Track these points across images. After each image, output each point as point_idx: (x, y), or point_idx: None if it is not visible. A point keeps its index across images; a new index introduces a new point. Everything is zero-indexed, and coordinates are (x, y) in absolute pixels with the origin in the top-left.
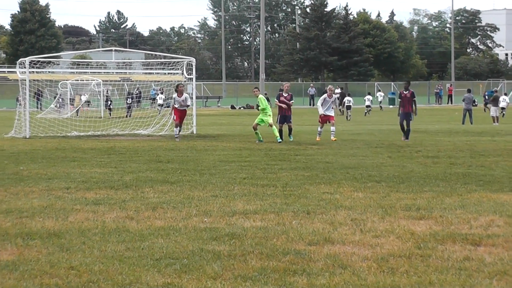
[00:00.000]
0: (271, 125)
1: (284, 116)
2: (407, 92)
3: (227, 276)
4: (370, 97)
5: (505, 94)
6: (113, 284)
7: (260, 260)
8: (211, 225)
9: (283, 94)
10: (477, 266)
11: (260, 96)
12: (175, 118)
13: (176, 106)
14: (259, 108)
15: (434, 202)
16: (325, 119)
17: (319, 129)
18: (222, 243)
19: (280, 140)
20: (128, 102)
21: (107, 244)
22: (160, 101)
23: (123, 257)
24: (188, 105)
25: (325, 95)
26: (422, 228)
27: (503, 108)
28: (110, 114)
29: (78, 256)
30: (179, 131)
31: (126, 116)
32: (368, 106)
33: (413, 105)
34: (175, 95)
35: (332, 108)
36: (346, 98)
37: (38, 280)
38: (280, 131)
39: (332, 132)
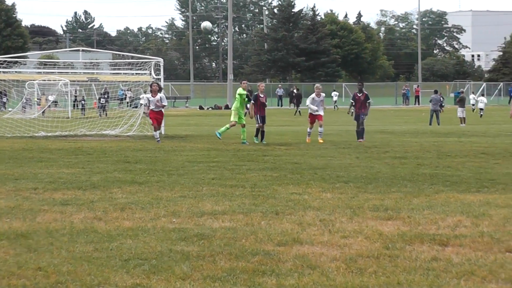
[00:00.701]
0: (244, 125)
1: (262, 117)
2: (361, 94)
3: (196, 277)
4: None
5: (473, 93)
6: (81, 285)
7: (229, 260)
8: (180, 225)
9: (260, 95)
10: (445, 266)
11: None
12: (152, 122)
13: (151, 107)
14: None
15: (401, 203)
16: (314, 119)
17: (308, 129)
18: (191, 244)
19: (247, 143)
20: (102, 102)
21: (75, 244)
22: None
23: (92, 257)
24: (165, 105)
25: (313, 95)
26: (390, 228)
27: (481, 109)
28: (83, 114)
29: (46, 257)
30: (158, 134)
31: (100, 116)
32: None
33: (367, 107)
34: (148, 95)
35: (322, 107)
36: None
37: (6, 281)
38: (260, 131)
39: (320, 134)
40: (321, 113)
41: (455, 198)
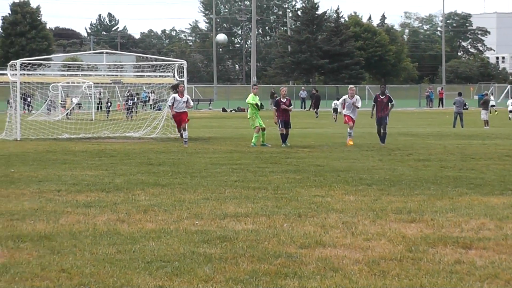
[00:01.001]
0: (264, 129)
1: (285, 122)
2: (384, 96)
3: (219, 279)
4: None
5: (492, 95)
6: (104, 286)
7: (251, 263)
8: (202, 228)
9: (282, 99)
10: (468, 269)
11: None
12: (176, 124)
13: (176, 109)
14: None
15: (425, 205)
16: (349, 120)
17: (348, 130)
18: (214, 246)
19: (255, 145)
20: (129, 104)
21: (98, 246)
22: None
23: (114, 259)
24: (191, 106)
25: (345, 96)
26: (413, 231)
27: (510, 111)
28: (107, 116)
29: (69, 258)
30: (185, 135)
31: (127, 118)
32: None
33: (389, 109)
34: (175, 95)
35: (356, 109)
36: (334, 102)
37: (29, 283)
38: (283, 135)
39: (349, 134)
40: (353, 115)
41: (478, 201)
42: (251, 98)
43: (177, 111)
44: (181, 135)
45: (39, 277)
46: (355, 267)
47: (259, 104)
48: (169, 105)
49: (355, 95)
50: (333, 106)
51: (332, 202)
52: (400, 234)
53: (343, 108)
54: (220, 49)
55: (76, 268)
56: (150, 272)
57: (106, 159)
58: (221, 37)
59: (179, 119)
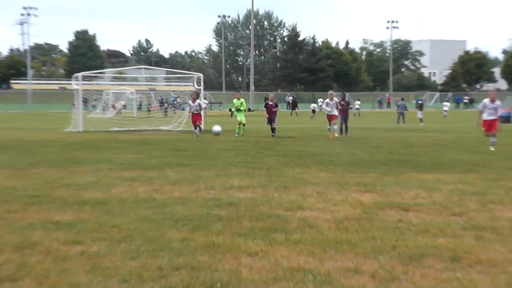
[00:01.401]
0: (244, 124)
1: (270, 119)
2: (344, 102)
3: (227, 233)
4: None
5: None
6: (144, 238)
7: (250, 221)
8: (215, 196)
9: (269, 102)
10: (407, 226)
11: (242, 99)
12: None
13: (192, 111)
14: (242, 108)
15: (377, 180)
16: (330, 118)
17: (328, 126)
18: (223, 209)
19: (237, 135)
20: (165, 106)
21: (140, 209)
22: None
23: (151, 219)
24: (202, 109)
25: (327, 99)
26: (368, 199)
27: (445, 110)
28: (149, 113)
29: (118, 218)
30: (198, 130)
31: (164, 115)
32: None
33: (348, 111)
34: (190, 101)
35: (336, 108)
36: (312, 104)
37: (90, 235)
38: (273, 129)
39: (335, 129)
40: (335, 113)
41: (415, 177)
42: (235, 101)
43: (193, 112)
44: (197, 129)
45: (97, 231)
46: (326, 224)
47: (242, 105)
48: (189, 110)
49: (334, 98)
50: (311, 108)
51: (309, 177)
52: (358, 201)
53: (327, 107)
54: (227, 66)
55: (123, 225)
56: (177, 228)
57: (145, 146)
58: (216, 128)
59: (194, 119)
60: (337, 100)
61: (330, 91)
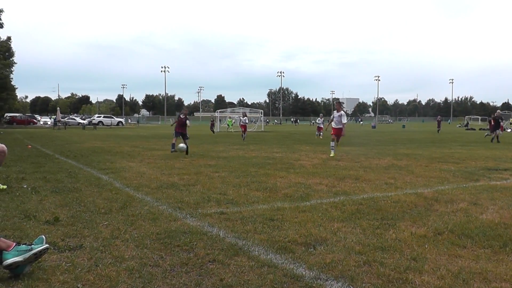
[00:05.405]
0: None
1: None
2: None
3: (272, 168)
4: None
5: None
6: (241, 170)
7: (280, 164)
8: (267, 155)
9: (181, 116)
10: (340, 165)
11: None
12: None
13: (241, 123)
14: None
15: (326, 148)
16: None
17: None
18: (270, 160)
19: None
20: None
21: (239, 159)
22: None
23: (243, 163)
24: (247, 123)
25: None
26: (324, 157)
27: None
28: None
29: (231, 163)
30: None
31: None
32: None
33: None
34: (243, 118)
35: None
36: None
37: (221, 169)
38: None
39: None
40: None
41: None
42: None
43: (242, 124)
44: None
45: (224, 167)
46: (309, 165)
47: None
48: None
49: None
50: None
51: (302, 148)
52: (321, 158)
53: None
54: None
55: (233, 165)
56: (253, 166)
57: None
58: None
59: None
60: None
61: (337, 101)
